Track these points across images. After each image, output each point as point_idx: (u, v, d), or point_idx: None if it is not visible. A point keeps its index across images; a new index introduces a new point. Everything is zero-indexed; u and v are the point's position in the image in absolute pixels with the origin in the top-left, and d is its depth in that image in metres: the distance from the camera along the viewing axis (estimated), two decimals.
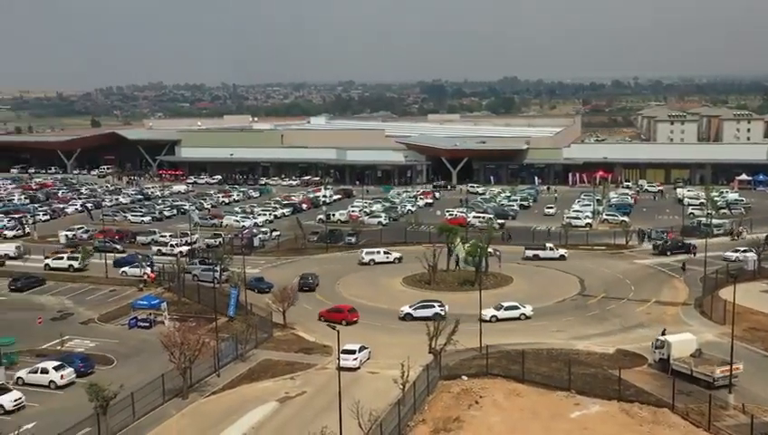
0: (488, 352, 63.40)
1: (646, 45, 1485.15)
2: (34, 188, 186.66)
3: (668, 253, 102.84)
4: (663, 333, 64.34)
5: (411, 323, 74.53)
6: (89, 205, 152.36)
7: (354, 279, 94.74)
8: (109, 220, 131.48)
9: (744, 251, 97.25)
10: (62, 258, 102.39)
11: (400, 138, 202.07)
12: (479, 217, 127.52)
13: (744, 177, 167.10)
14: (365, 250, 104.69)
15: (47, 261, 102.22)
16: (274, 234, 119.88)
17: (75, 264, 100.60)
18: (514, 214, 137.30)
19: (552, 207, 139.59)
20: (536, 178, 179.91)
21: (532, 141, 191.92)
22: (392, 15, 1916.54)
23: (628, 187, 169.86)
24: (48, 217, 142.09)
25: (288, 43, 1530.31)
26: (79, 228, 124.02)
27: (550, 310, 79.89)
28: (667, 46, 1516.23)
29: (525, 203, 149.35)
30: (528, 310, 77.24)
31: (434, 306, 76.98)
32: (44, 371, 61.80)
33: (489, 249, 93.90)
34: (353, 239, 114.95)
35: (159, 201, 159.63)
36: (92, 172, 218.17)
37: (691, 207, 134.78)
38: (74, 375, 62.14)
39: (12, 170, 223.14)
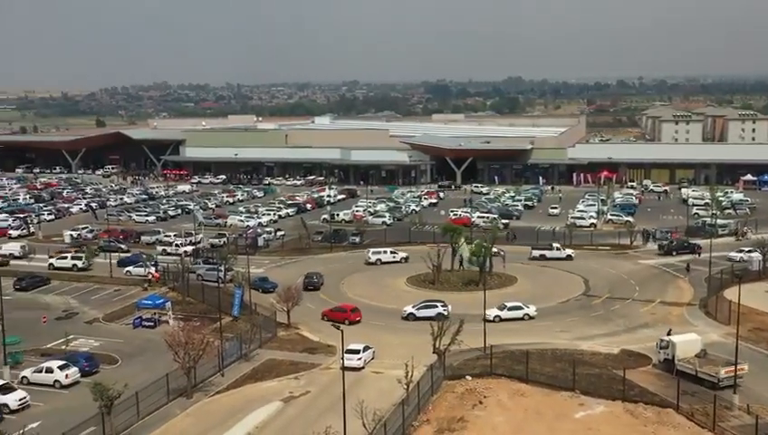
0: (492, 353, 63.38)
1: (650, 45, 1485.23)
2: (39, 187, 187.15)
3: (674, 253, 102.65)
4: (669, 334, 64.25)
5: (415, 323, 74.46)
6: (93, 204, 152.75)
7: (358, 279, 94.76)
8: (113, 220, 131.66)
9: (749, 251, 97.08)
10: (65, 258, 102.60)
11: (404, 138, 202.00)
12: (483, 217, 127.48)
13: (749, 177, 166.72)
14: (372, 250, 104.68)
15: (51, 260, 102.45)
16: (279, 234, 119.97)
17: (79, 263, 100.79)
18: (519, 214, 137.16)
19: (556, 208, 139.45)
20: (540, 178, 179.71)
21: (537, 141, 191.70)
22: (397, 15, 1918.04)
23: (632, 187, 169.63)
24: (53, 216, 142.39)
25: (292, 44, 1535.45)
26: (83, 228, 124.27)
27: (554, 310, 79.80)
28: (672, 46, 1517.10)
29: (530, 203, 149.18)
30: (532, 310, 77.16)
31: (437, 306, 76.97)
32: (49, 370, 61.92)
33: (494, 249, 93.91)
34: (357, 239, 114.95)
35: (164, 201, 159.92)
36: (97, 172, 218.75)
37: (696, 208, 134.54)
38: (79, 375, 62.26)
39: (17, 170, 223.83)
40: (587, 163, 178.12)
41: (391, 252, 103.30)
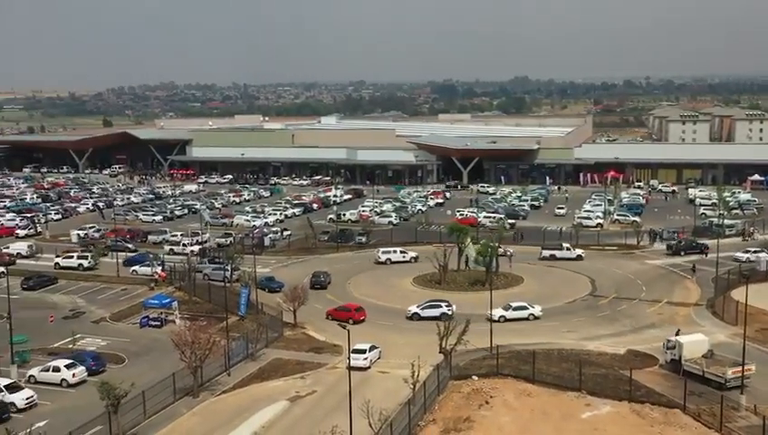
0: (499, 353, 63.32)
1: (657, 45, 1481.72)
2: (46, 187, 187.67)
3: (682, 253, 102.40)
4: (677, 334, 64.09)
5: (421, 323, 74.49)
6: (100, 204, 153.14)
7: (365, 278, 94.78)
8: (120, 219, 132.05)
9: (756, 251, 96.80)
10: (71, 257, 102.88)
11: (411, 137, 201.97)
12: (490, 217, 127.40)
13: (756, 177, 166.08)
14: (381, 249, 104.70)
15: (57, 260, 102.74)
16: (285, 233, 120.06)
17: (85, 263, 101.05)
18: (525, 214, 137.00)
19: (562, 208, 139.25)
20: (547, 178, 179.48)
21: (543, 141, 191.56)
22: (403, 15, 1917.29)
23: (639, 187, 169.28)
24: (60, 216, 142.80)
25: (299, 44, 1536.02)
26: (90, 227, 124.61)
27: (561, 310, 79.69)
28: (679, 46, 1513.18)
29: (536, 203, 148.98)
30: (537, 310, 77.05)
31: (441, 306, 76.98)
32: (56, 369, 62.07)
33: (500, 249, 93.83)
34: (364, 239, 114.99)
35: (171, 201, 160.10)
36: (104, 171, 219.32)
37: (703, 208, 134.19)
38: (86, 374, 62.44)
39: (24, 170, 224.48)
40: (594, 163, 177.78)
41: (401, 251, 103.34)
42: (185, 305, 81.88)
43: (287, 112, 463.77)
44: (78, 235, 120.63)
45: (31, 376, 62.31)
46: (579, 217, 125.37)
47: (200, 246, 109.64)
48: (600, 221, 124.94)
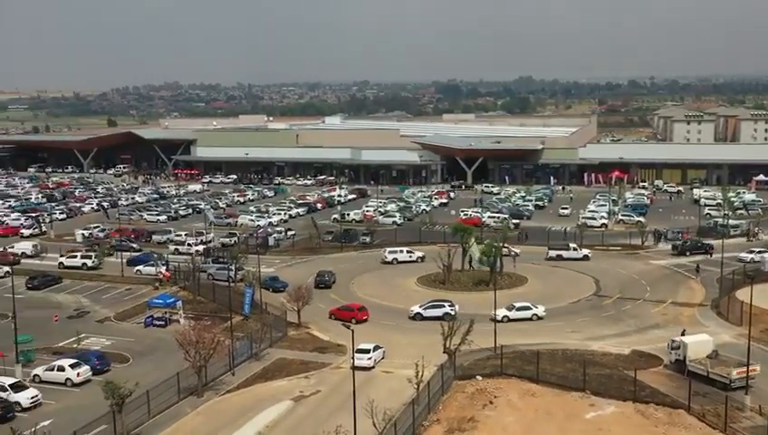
0: (503, 353, 63.26)
1: (662, 45, 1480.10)
2: (51, 186, 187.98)
3: (687, 253, 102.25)
4: (683, 334, 64.06)
5: (425, 323, 74.45)
6: (105, 204, 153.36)
7: (369, 278, 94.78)
8: (125, 219, 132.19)
9: (760, 252, 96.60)
10: (75, 257, 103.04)
11: (415, 137, 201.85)
12: (494, 217, 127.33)
13: (761, 177, 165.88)
14: (388, 249, 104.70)
15: (61, 259, 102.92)
16: (289, 233, 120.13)
17: (89, 262, 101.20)
18: (529, 214, 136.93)
19: (567, 208, 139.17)
20: (551, 178, 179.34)
21: (548, 141, 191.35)
22: (407, 15, 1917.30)
23: (644, 187, 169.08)
24: (65, 215, 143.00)
25: (303, 44, 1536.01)
26: (95, 227, 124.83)
27: (565, 310, 79.61)
28: (684, 46, 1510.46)
29: (540, 203, 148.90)
30: (540, 310, 76.98)
31: (444, 306, 76.98)
32: (61, 368, 62.19)
33: (505, 249, 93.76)
34: (368, 239, 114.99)
35: (175, 200, 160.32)
36: (109, 171, 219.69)
37: (707, 208, 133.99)
38: (90, 373, 62.50)
39: (29, 169, 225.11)
40: (598, 163, 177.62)
41: (408, 251, 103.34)
42: (189, 305, 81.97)
43: (291, 112, 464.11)
44: (82, 234, 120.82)
45: (35, 375, 62.41)
46: (583, 218, 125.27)
47: (204, 246, 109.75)
48: (605, 221, 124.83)
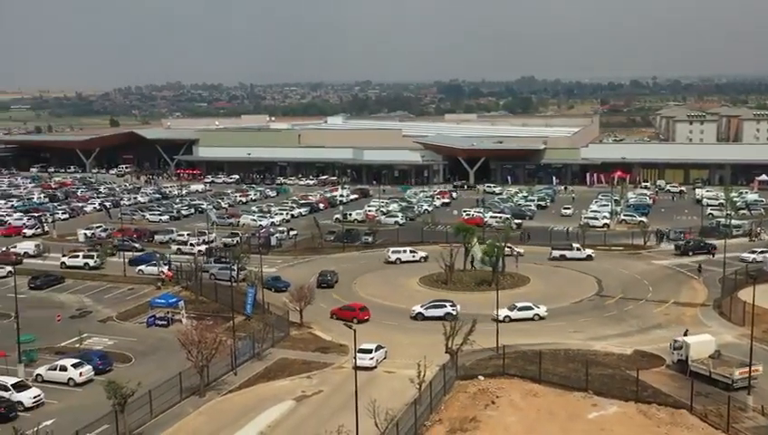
0: (505, 353, 63.25)
1: (663, 45, 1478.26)
2: (54, 186, 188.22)
3: (690, 253, 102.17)
4: (685, 334, 64.02)
5: (426, 323, 74.47)
6: (107, 204, 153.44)
7: (371, 278, 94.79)
8: (127, 219, 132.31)
9: (762, 252, 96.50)
10: (77, 256, 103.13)
11: (417, 137, 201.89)
12: (496, 217, 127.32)
13: (763, 177, 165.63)
14: (391, 249, 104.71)
15: (63, 259, 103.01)
16: (291, 233, 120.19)
17: (91, 262, 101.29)
18: (532, 214, 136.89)
19: (569, 208, 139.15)
20: (554, 178, 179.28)
21: (550, 141, 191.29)
22: (407, 15, 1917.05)
23: (646, 187, 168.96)
24: (67, 215, 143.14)
25: (304, 43, 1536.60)
26: (97, 227, 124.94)
27: (567, 310, 79.58)
28: (685, 46, 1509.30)
29: (542, 203, 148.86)
30: (542, 310, 76.94)
31: (445, 306, 76.97)
32: (63, 368, 62.25)
33: (508, 249, 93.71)
34: (370, 239, 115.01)
35: (177, 200, 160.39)
36: (111, 171, 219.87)
37: (710, 208, 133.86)
38: (93, 373, 62.57)
39: (32, 169, 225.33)
40: (600, 163, 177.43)
41: (411, 251, 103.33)
42: (191, 305, 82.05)
43: (293, 112, 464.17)
44: (85, 234, 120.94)
45: (38, 375, 62.47)
46: (585, 218, 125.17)
47: (207, 246, 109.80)
48: (607, 221, 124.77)
